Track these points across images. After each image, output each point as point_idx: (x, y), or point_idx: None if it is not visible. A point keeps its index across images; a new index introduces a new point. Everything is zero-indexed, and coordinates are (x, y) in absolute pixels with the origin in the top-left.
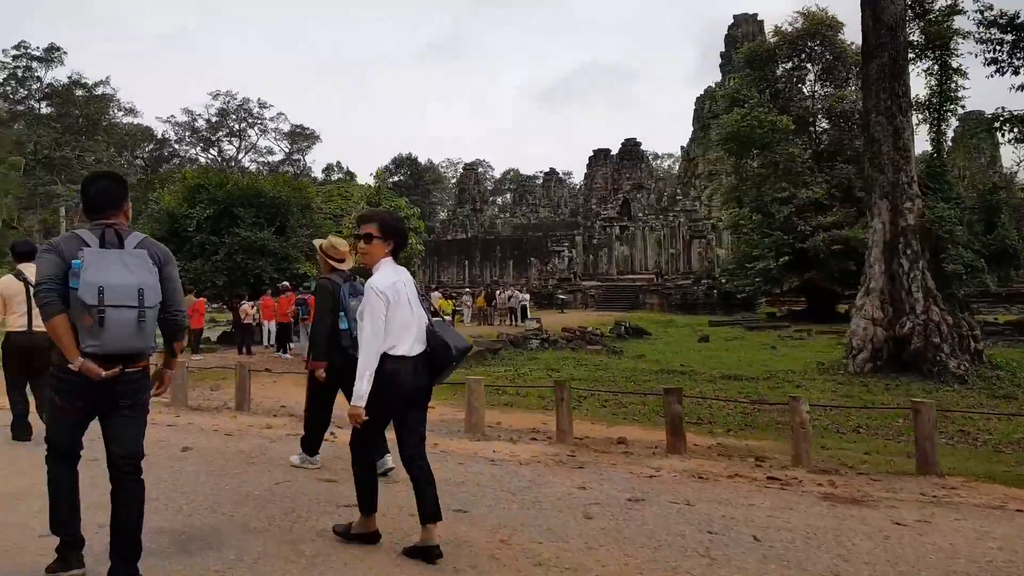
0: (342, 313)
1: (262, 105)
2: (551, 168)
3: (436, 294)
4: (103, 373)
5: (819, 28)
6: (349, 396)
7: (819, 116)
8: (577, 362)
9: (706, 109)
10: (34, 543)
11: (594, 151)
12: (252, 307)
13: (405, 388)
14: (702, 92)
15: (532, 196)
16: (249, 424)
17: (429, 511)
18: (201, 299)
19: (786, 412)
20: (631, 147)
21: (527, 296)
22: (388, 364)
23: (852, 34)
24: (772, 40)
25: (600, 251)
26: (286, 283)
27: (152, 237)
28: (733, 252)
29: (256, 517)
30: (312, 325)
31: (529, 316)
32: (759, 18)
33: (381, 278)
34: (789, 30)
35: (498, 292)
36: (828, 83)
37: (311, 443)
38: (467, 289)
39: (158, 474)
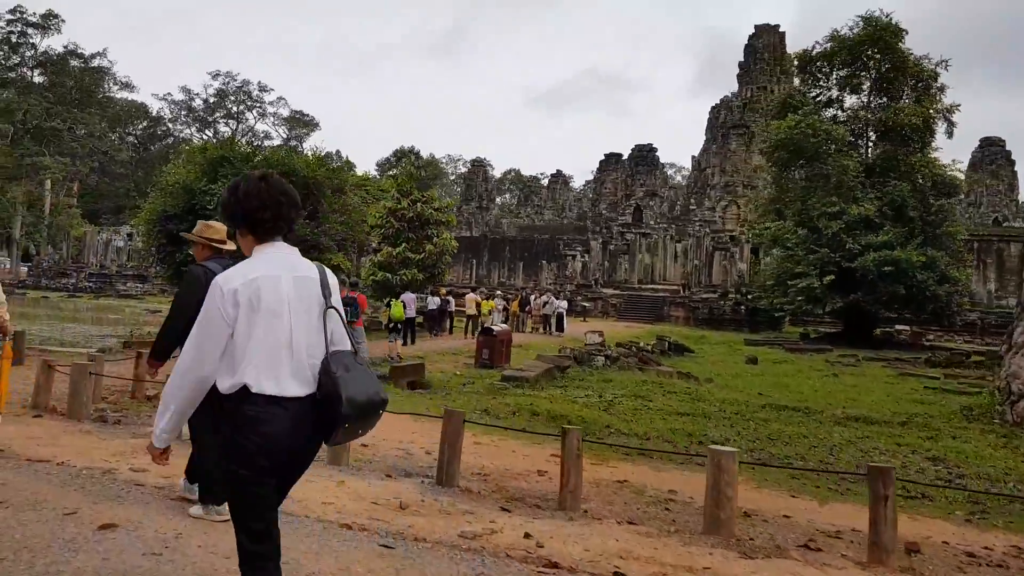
0: None
1: (262, 88)
2: (558, 170)
3: (472, 295)
4: None
5: (881, 34)
6: None
7: (872, 128)
8: (660, 388)
9: (721, 119)
10: None
11: (605, 155)
12: None
13: (275, 448)
14: (717, 102)
15: (538, 197)
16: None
17: None
18: None
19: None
20: (646, 153)
21: (564, 303)
22: (248, 406)
23: (913, 43)
24: (828, 45)
25: (618, 258)
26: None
27: (166, 214)
28: (753, 267)
29: None
30: (165, 320)
31: (566, 325)
32: (780, 29)
33: (234, 271)
34: (848, 35)
35: (532, 297)
36: (883, 94)
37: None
38: (498, 292)
39: None
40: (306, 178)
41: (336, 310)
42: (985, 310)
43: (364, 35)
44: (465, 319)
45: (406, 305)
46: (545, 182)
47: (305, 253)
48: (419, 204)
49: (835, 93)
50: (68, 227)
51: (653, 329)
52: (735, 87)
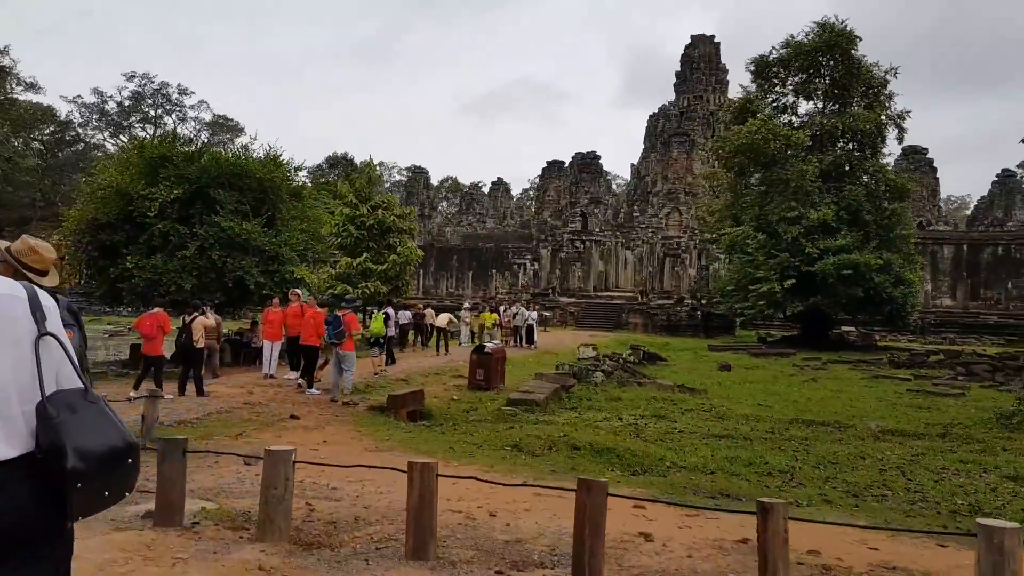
0: None
1: (182, 91)
2: (499, 178)
3: (467, 306)
4: None
5: (837, 40)
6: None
7: (826, 133)
8: (672, 405)
9: (660, 127)
10: None
11: (548, 163)
12: (212, 321)
13: None
14: (655, 110)
15: (479, 205)
16: None
17: None
18: (161, 311)
19: None
20: (590, 160)
21: (534, 314)
22: None
23: (867, 48)
24: (783, 51)
25: (570, 265)
26: (297, 290)
27: (97, 223)
28: (702, 273)
29: None
30: None
31: (536, 338)
32: (716, 40)
33: None
34: (804, 41)
35: (502, 308)
36: (836, 100)
37: None
38: (466, 304)
39: None
40: (261, 180)
41: (55, 337)
42: (923, 310)
43: (287, 39)
44: (432, 334)
45: (388, 318)
46: (486, 189)
47: (263, 262)
48: (380, 211)
49: (790, 99)
50: None
51: (618, 337)
52: (660, 98)
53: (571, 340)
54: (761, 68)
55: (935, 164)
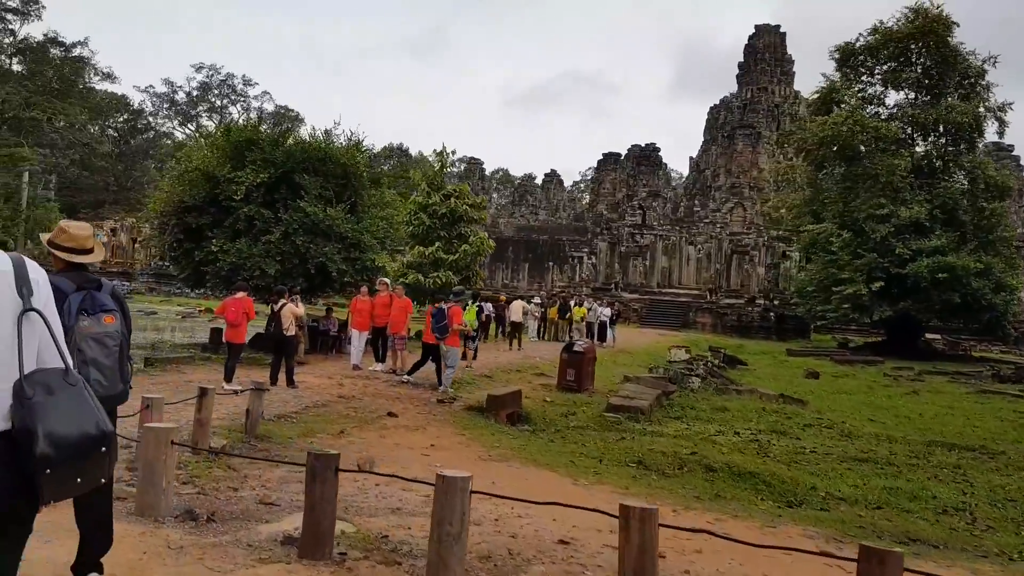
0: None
1: (247, 82)
2: (552, 170)
3: (518, 302)
4: None
5: (932, 26)
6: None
7: (919, 126)
8: (788, 419)
9: (721, 119)
10: None
11: (603, 155)
12: (301, 309)
13: None
14: (717, 102)
15: (532, 197)
16: None
17: None
18: (245, 296)
19: None
20: (649, 152)
21: (607, 311)
22: None
23: (964, 35)
24: (871, 38)
25: (629, 260)
26: (385, 279)
27: (184, 205)
28: (771, 271)
29: None
30: None
31: (612, 335)
32: (781, 30)
33: None
34: (895, 27)
35: (572, 303)
36: (928, 91)
37: None
38: (535, 299)
39: None
40: (344, 166)
41: (40, 314)
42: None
43: (343, 35)
44: (509, 328)
45: (481, 311)
46: (538, 181)
47: (345, 249)
48: (452, 199)
49: (878, 89)
50: (46, 221)
51: (689, 337)
52: (714, 91)
53: (641, 339)
54: (846, 56)
55: (1022, 162)
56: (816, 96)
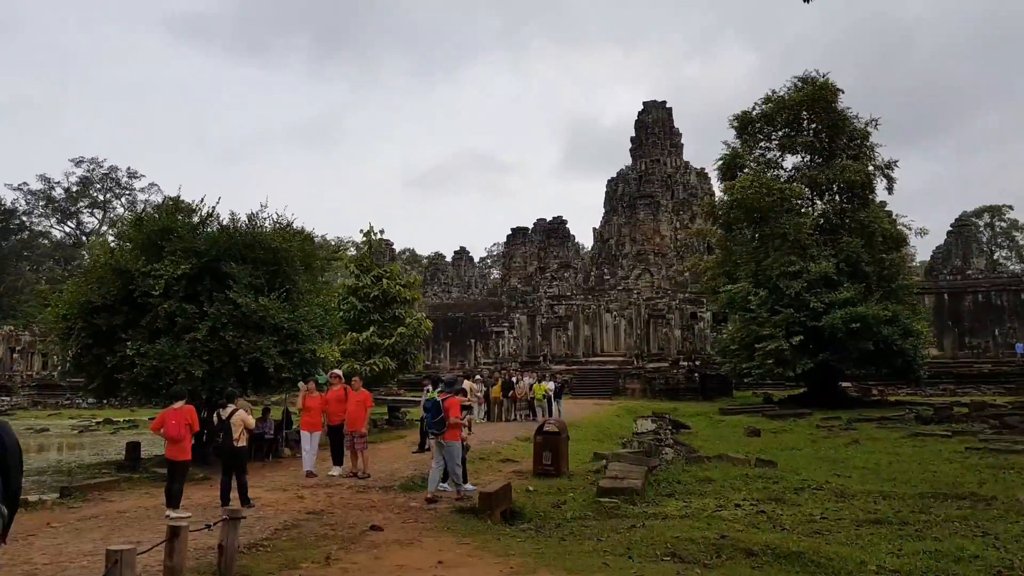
0: None
1: (131, 175)
2: (461, 247)
3: (469, 382)
4: None
5: (820, 94)
6: None
7: (817, 186)
8: (778, 485)
9: (619, 191)
10: None
11: (512, 230)
12: (251, 417)
13: None
14: (614, 175)
15: (444, 275)
16: None
17: None
18: (185, 405)
19: None
20: (557, 225)
21: (551, 384)
22: None
23: (849, 100)
24: (765, 107)
25: (552, 331)
26: (337, 371)
27: (92, 306)
28: (696, 333)
29: None
30: None
31: (557, 408)
32: (667, 105)
33: None
34: (786, 96)
35: (515, 379)
36: (820, 154)
37: None
38: (478, 376)
39: None
40: (276, 251)
41: None
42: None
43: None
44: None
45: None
46: (448, 259)
47: (280, 341)
48: (384, 280)
49: (775, 154)
50: None
51: (625, 404)
52: (604, 165)
53: (580, 410)
54: (744, 124)
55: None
56: (721, 162)
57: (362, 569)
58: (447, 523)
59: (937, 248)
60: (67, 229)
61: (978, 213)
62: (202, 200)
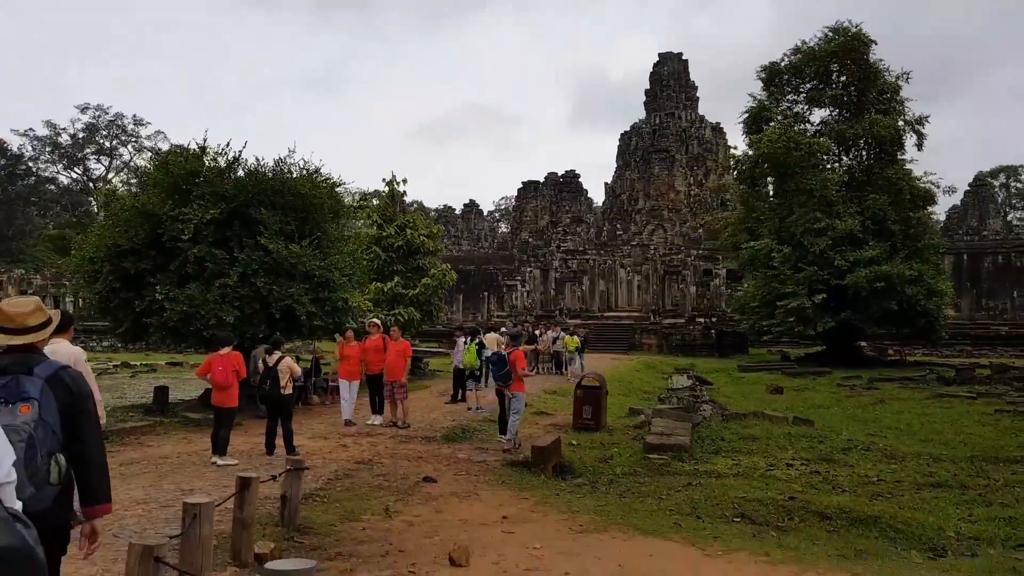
0: None
1: (138, 122)
2: (471, 200)
3: (493, 334)
4: None
5: (852, 44)
6: None
7: (845, 141)
8: (819, 443)
9: (633, 145)
10: None
11: (523, 183)
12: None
13: None
14: (627, 128)
15: (454, 227)
16: None
17: None
18: (231, 351)
19: None
20: (570, 179)
21: (574, 338)
22: None
23: (882, 52)
24: (794, 58)
25: (566, 285)
26: (375, 319)
27: (119, 249)
28: (712, 290)
29: None
30: None
31: (582, 362)
32: (684, 57)
33: None
34: (816, 47)
35: (538, 332)
36: (848, 108)
37: None
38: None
39: None
40: (305, 197)
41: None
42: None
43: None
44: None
45: (482, 347)
46: (457, 212)
47: (312, 289)
48: (408, 231)
49: (803, 107)
50: None
51: (643, 359)
52: (615, 119)
53: (599, 364)
54: (772, 76)
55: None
56: (747, 115)
57: (425, 523)
58: (500, 476)
59: (953, 208)
60: (74, 175)
61: (994, 173)
62: (228, 144)
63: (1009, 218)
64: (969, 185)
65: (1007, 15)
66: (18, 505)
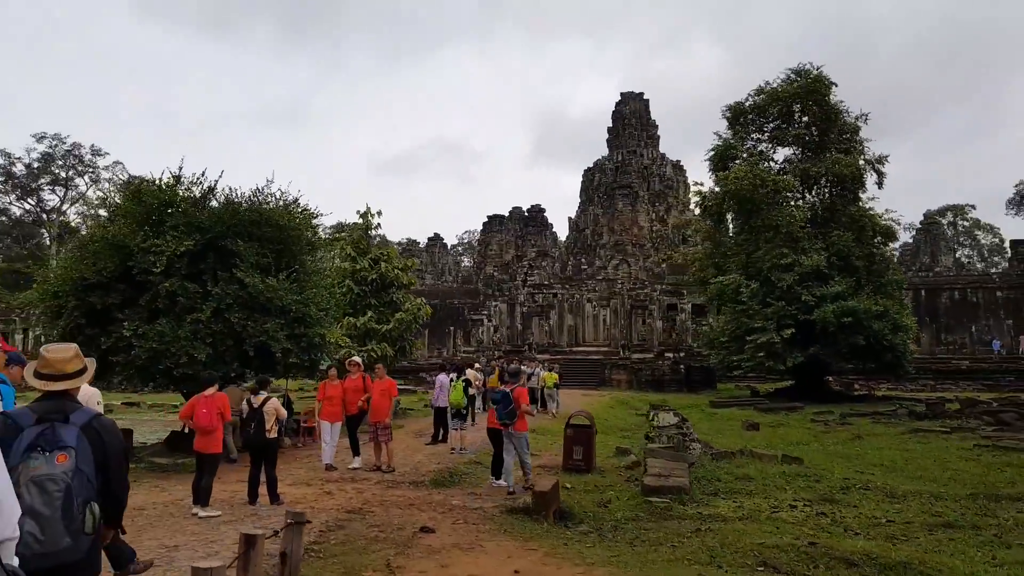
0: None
1: (95, 152)
2: (435, 233)
3: (471, 370)
4: None
5: (814, 86)
6: None
7: (808, 179)
8: (816, 482)
9: (596, 181)
10: None
11: (489, 217)
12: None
13: None
14: (591, 165)
15: (419, 261)
16: None
17: None
18: (216, 392)
19: None
20: (535, 213)
21: (554, 374)
22: None
23: (842, 93)
24: (758, 99)
25: (532, 320)
26: (355, 357)
27: (86, 282)
28: (678, 325)
29: None
30: None
31: (557, 400)
32: (644, 97)
33: None
34: (779, 88)
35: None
36: (809, 147)
37: None
38: (477, 365)
39: None
40: (283, 228)
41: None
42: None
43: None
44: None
45: (468, 385)
46: (423, 245)
47: (288, 324)
48: (382, 263)
49: (766, 146)
50: None
51: (615, 396)
52: (575, 156)
53: (573, 401)
54: (737, 115)
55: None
56: (712, 153)
57: None
58: (501, 525)
59: (905, 245)
60: (27, 206)
61: (941, 212)
62: (203, 173)
63: (959, 255)
64: (920, 223)
65: (945, 63)
66: (16, 562)
